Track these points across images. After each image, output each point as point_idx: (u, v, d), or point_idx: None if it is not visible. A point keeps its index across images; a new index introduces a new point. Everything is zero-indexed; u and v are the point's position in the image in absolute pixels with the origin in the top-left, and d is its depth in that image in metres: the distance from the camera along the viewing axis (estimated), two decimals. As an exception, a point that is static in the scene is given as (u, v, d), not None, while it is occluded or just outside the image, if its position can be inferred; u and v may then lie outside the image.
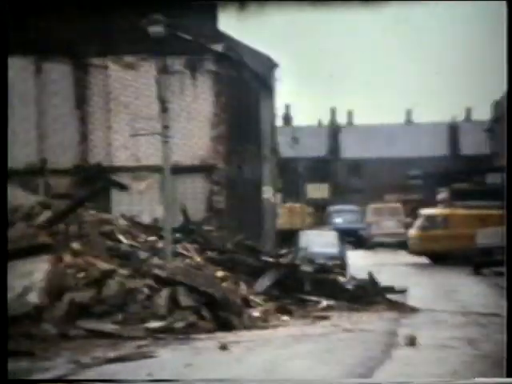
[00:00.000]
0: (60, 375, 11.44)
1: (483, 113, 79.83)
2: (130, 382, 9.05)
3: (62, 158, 26.16)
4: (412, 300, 20.94)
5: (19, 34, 25.68)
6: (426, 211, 38.29)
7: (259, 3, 10.60)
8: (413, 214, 44.05)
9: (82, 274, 16.09)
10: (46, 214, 18.00)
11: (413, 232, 37.06)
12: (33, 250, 16.38)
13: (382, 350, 13.61)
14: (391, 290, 21.57)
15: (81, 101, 26.65)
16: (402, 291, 21.81)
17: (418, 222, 37.19)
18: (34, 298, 15.34)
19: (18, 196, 21.09)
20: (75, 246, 17.07)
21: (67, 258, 16.49)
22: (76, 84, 26.58)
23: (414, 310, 19.52)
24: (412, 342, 14.00)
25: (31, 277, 15.74)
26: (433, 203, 44.51)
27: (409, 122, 77.54)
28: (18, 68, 25.94)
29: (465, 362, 12.46)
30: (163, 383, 9.65)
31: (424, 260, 35.45)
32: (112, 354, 13.02)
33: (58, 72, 26.44)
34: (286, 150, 55.44)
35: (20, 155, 25.83)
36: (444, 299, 22.27)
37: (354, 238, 47.84)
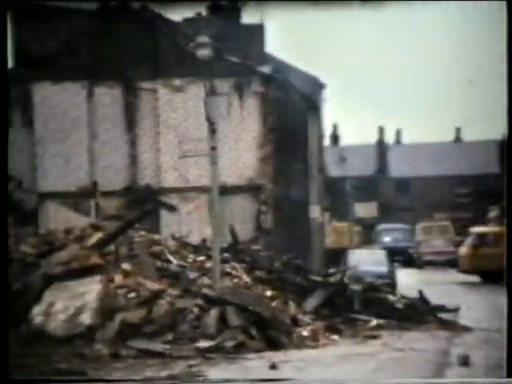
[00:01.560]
0: None
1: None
2: (130, 382, 8.77)
3: (112, 181, 26.42)
4: (464, 319, 20.67)
5: (72, 60, 26.17)
6: (476, 229, 37.81)
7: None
8: (463, 232, 43.49)
9: (132, 295, 16.11)
10: (97, 236, 18.12)
11: (463, 250, 36.61)
12: (85, 271, 16.49)
13: (433, 369, 13.46)
14: (442, 308, 21.33)
15: (131, 124, 26.92)
16: (454, 310, 21.53)
17: (469, 240, 36.72)
18: (86, 318, 15.44)
19: (70, 218, 21.38)
20: (126, 266, 17.13)
21: (118, 279, 16.56)
22: (126, 108, 26.86)
23: (466, 329, 19.25)
24: (465, 361, 13.80)
25: (83, 297, 15.84)
26: (483, 221, 43.95)
27: (458, 139, 76.79)
28: (71, 93, 26.36)
29: None
30: (163, 383, 9.38)
31: (475, 278, 34.96)
32: (163, 374, 13.05)
33: (108, 96, 26.76)
34: (334, 170, 55.27)
35: (72, 178, 26.19)
36: (496, 318, 21.93)
37: (403, 257, 47.43)
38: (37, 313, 15.60)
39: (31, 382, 10.22)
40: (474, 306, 24.09)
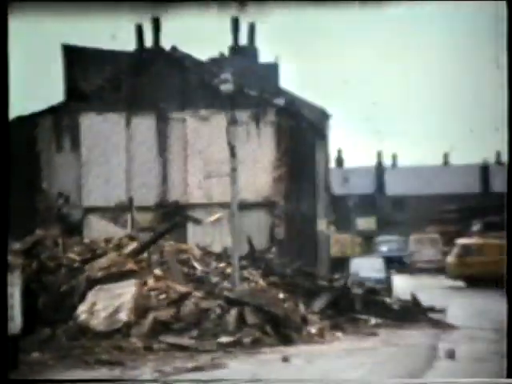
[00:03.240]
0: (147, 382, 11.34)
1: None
2: (130, 382, 8.23)
3: (146, 197, 26.47)
4: (451, 318, 20.58)
5: (113, 94, 26.34)
6: (461, 241, 37.76)
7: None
8: (450, 243, 43.38)
9: (163, 296, 16.16)
10: (132, 245, 18.19)
11: (450, 259, 36.57)
12: (122, 276, 16.55)
13: (424, 361, 13.42)
14: (432, 309, 21.27)
15: (162, 149, 26.99)
16: (442, 310, 21.48)
17: (455, 251, 36.72)
18: (123, 316, 15.48)
19: (109, 230, 21.41)
20: (157, 272, 17.18)
21: (150, 282, 16.60)
22: (159, 135, 26.95)
23: (452, 327, 19.17)
24: (451, 354, 13.77)
25: (121, 298, 15.87)
26: (468, 234, 43.75)
27: (446, 163, 76.57)
28: (112, 122, 26.51)
29: (497, 373, 12.14)
30: (163, 383, 8.87)
31: (460, 284, 34.84)
32: (189, 365, 13.06)
33: (144, 125, 26.86)
34: (338, 188, 55.10)
35: (112, 195, 26.24)
36: (479, 317, 21.82)
37: (398, 265, 47.19)
38: (81, 311, 15.65)
39: (31, 382, 9.04)
40: (459, 307, 24.00)
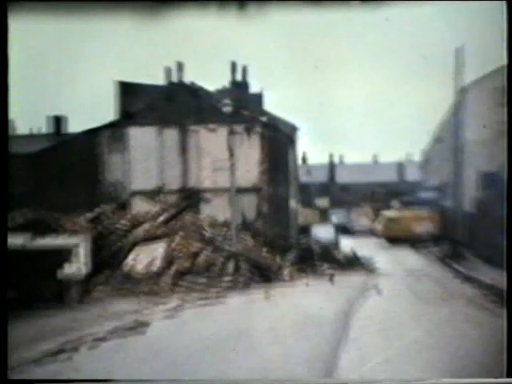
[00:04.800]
0: (174, 306, 11.10)
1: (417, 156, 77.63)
2: (130, 382, 6.74)
3: (172, 184, 26.40)
4: (376, 264, 20.40)
5: (150, 114, 26.21)
6: (385, 213, 38.02)
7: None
8: (377, 214, 43.54)
9: (184, 251, 16.10)
10: (163, 217, 18.10)
11: (377, 225, 36.78)
12: (156, 237, 16.49)
13: (360, 292, 13.35)
14: (364, 258, 21.21)
15: (183, 152, 26.93)
16: (370, 259, 21.39)
17: (380, 219, 36.95)
18: (157, 263, 15.42)
19: (146, 206, 21.21)
20: (180, 235, 17.07)
21: (175, 242, 16.50)
22: (180, 141, 26.87)
23: (377, 270, 19.05)
24: (377, 288, 13.78)
25: (156, 252, 15.84)
26: (388, 208, 43.88)
27: (375, 162, 76.54)
28: (149, 133, 26.35)
29: (407, 297, 12.13)
30: (163, 383, 7.12)
31: (383, 242, 34.90)
32: (202, 296, 13.01)
33: (170, 135, 26.75)
34: (303, 178, 54.96)
35: (149, 183, 26.14)
36: (395, 263, 21.89)
37: (343, 229, 47.18)
38: (130, 260, 15.59)
39: (31, 381, 6.49)
40: (382, 257, 24.05)
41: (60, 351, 6.91)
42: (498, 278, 13.61)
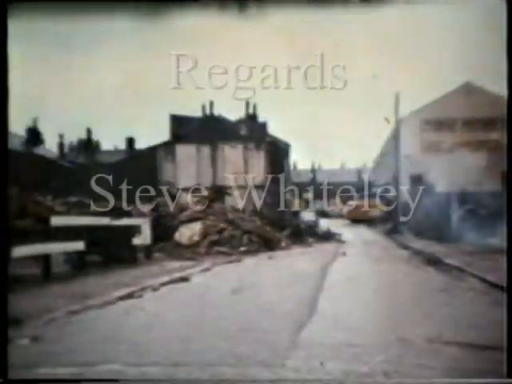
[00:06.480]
0: (207, 267, 10.76)
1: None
2: (130, 381, 5.61)
3: (206, 182, 26.43)
4: (344, 237, 20.37)
5: (192, 136, 26.30)
6: (350, 202, 37.99)
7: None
8: (345, 203, 43.40)
9: (214, 229, 15.97)
10: (199, 205, 18.04)
11: (345, 210, 36.77)
12: (195, 219, 16.40)
13: (332, 256, 13.11)
14: (336, 233, 21.27)
15: (213, 161, 26.97)
16: (340, 234, 21.45)
17: (347, 207, 36.91)
18: (196, 237, 15.36)
19: (188, 198, 21.01)
20: (210, 218, 16.93)
21: (208, 222, 16.37)
22: (211, 154, 26.90)
23: (344, 241, 19.04)
24: (344, 253, 13.74)
25: (194, 229, 15.81)
26: (352, 199, 43.61)
27: (342, 168, 75.73)
28: (190, 149, 26.38)
29: (364, 258, 12.09)
30: (163, 383, 5.88)
31: (349, 223, 34.88)
32: (226, 260, 12.68)
33: (205, 151, 26.80)
34: (295, 178, 54.68)
35: (191, 182, 26.18)
36: (356, 236, 21.89)
37: (321, 214, 47.06)
38: (177, 235, 15.50)
39: (31, 381, 4.21)
40: (348, 233, 24.02)
41: (129, 295, 7.01)
42: (425, 246, 13.90)
